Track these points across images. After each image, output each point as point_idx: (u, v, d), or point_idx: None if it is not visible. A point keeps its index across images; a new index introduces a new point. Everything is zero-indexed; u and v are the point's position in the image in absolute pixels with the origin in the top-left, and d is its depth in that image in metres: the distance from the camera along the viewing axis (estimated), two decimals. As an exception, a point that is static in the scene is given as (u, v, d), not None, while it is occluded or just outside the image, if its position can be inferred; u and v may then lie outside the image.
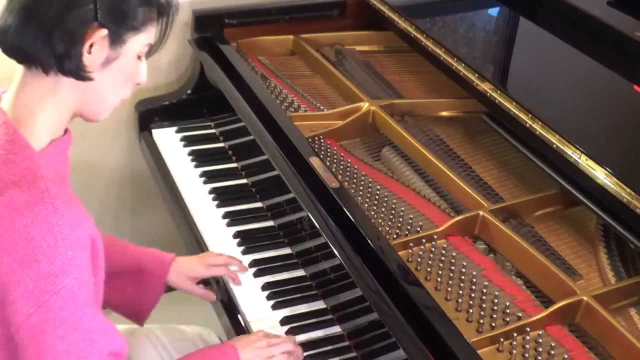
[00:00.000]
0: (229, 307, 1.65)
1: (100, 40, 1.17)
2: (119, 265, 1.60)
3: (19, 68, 1.22)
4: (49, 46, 1.15)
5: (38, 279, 1.13)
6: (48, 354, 1.15)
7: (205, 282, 1.75)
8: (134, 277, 1.63)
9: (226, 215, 1.85)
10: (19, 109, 1.22)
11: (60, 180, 1.23)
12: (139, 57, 1.25)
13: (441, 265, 1.51)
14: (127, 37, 1.20)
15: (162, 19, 1.24)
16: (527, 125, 1.60)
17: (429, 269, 1.50)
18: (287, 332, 1.54)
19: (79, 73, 1.18)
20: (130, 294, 1.65)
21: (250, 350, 1.44)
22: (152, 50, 1.28)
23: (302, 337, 1.54)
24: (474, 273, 1.48)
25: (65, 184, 1.24)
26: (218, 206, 1.88)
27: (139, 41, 1.22)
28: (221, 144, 2.10)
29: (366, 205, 1.66)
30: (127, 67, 1.23)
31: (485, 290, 1.45)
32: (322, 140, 1.83)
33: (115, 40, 1.18)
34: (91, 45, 1.16)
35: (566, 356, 1.34)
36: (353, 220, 1.49)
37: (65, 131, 1.29)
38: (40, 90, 1.21)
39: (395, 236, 1.57)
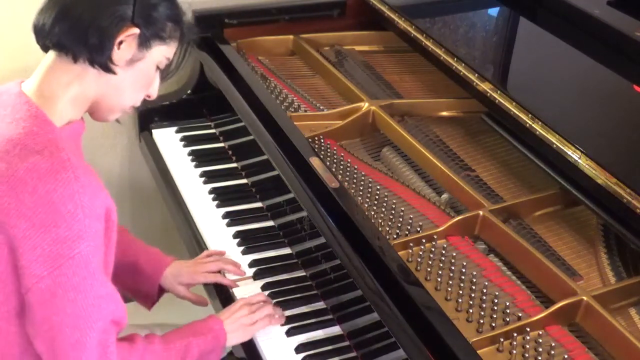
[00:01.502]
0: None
1: (131, 40, 1.27)
2: (118, 259, 1.61)
3: (48, 55, 1.30)
4: (84, 38, 1.24)
5: (55, 243, 1.18)
6: (56, 317, 1.21)
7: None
8: (129, 273, 1.65)
9: (226, 215, 1.85)
10: (44, 90, 1.29)
11: (78, 156, 1.30)
12: (157, 68, 1.35)
13: (441, 265, 1.51)
14: (153, 43, 1.30)
15: (183, 44, 1.37)
16: (527, 125, 1.60)
17: (429, 269, 1.50)
18: (287, 332, 1.54)
19: (106, 65, 1.27)
20: (129, 286, 1.67)
21: (233, 320, 1.50)
22: (168, 74, 1.40)
23: (302, 337, 1.54)
24: (474, 273, 1.48)
25: (82, 161, 1.30)
26: (218, 206, 1.88)
27: (162, 51, 1.33)
28: (221, 144, 2.10)
29: (366, 205, 1.66)
30: (147, 71, 1.34)
31: (485, 290, 1.45)
32: (322, 140, 1.83)
33: (143, 42, 1.29)
34: (121, 42, 1.26)
35: (566, 356, 1.34)
36: (353, 220, 1.49)
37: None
38: (67, 76, 1.29)
39: (395, 236, 1.57)
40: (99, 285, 1.23)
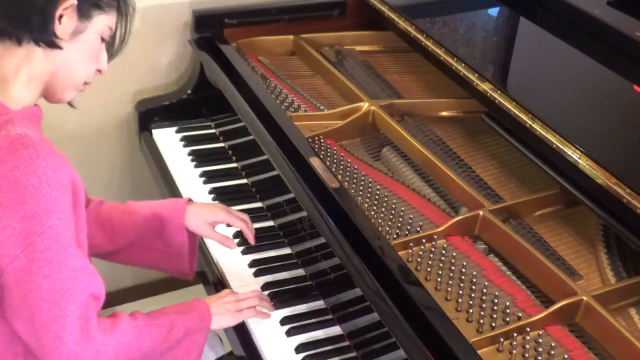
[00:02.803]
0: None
1: (70, 12, 1.27)
2: (141, 225, 1.62)
3: None
4: (24, 19, 1.25)
5: (24, 219, 1.19)
6: (33, 294, 1.21)
7: (204, 281, 1.76)
8: (156, 229, 1.62)
9: (226, 215, 1.85)
10: None
11: (38, 135, 1.28)
12: (102, 39, 1.35)
13: (441, 265, 1.51)
14: (93, 13, 1.31)
15: (122, 13, 1.36)
16: (527, 125, 1.60)
17: (429, 269, 1.50)
18: (287, 332, 1.54)
19: (51, 42, 1.28)
20: (161, 249, 1.65)
21: (219, 304, 1.50)
22: (114, 48, 1.40)
23: (302, 337, 1.54)
24: (474, 273, 1.49)
25: (42, 137, 1.30)
26: (218, 206, 1.88)
27: (103, 20, 1.33)
28: (221, 144, 2.10)
29: (366, 205, 1.66)
30: (92, 42, 1.34)
31: (485, 290, 1.45)
32: (322, 140, 1.83)
33: (83, 13, 1.29)
34: (61, 16, 1.27)
35: (566, 356, 1.34)
36: (353, 220, 1.49)
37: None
38: (14, 59, 1.30)
39: (395, 236, 1.57)
40: (73, 258, 1.23)
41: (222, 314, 1.49)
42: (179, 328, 1.41)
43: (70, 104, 1.45)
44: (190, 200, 1.64)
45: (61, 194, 1.23)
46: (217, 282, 1.71)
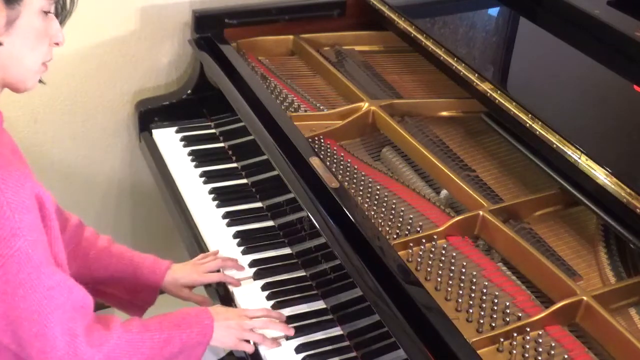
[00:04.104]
0: (229, 306, 1.64)
1: None
2: (115, 270, 1.62)
3: None
4: None
5: None
6: (11, 312, 1.20)
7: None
8: (128, 283, 1.64)
9: (226, 215, 1.85)
10: None
11: None
12: (45, 13, 1.24)
13: (441, 265, 1.51)
14: None
15: None
16: (527, 125, 1.60)
17: (429, 269, 1.50)
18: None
19: None
20: (124, 298, 1.67)
21: (224, 324, 1.46)
22: (65, 13, 1.29)
23: (302, 338, 1.54)
24: (474, 273, 1.49)
25: (1, 146, 1.24)
26: (218, 206, 1.88)
27: None
28: (221, 144, 2.10)
29: (366, 205, 1.66)
30: (33, 24, 1.22)
31: (485, 290, 1.45)
32: (322, 140, 1.83)
33: (9, 0, 1.18)
34: None
35: (566, 356, 1.34)
36: (353, 220, 1.49)
37: None
38: None
39: (395, 236, 1.57)
40: (46, 277, 1.21)
41: (223, 337, 1.46)
42: (175, 343, 1.38)
43: (40, 80, 1.33)
44: (170, 264, 1.66)
45: (25, 214, 1.18)
46: (217, 283, 1.70)
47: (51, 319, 1.22)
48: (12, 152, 1.28)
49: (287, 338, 1.53)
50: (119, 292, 1.66)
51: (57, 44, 1.28)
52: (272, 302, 1.61)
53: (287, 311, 1.59)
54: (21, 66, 1.25)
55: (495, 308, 1.41)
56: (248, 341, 1.50)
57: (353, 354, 1.50)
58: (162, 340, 1.36)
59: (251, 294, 1.64)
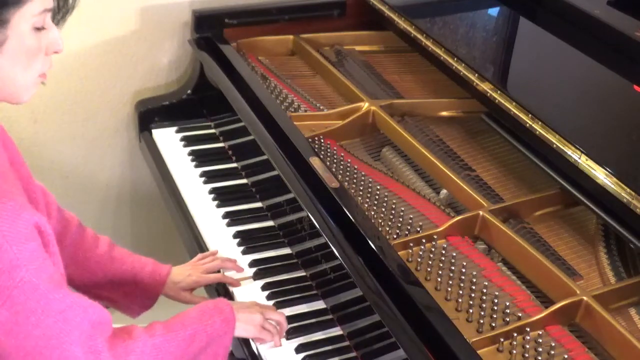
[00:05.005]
0: (229, 307, 1.65)
1: None
2: (115, 275, 1.62)
3: None
4: None
5: None
6: (28, 341, 1.17)
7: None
8: (127, 289, 1.64)
9: (226, 215, 1.85)
10: None
11: None
12: (37, 29, 1.16)
13: (441, 265, 1.51)
14: (7, 16, 1.11)
15: None
16: (527, 125, 1.60)
17: (429, 269, 1.50)
18: (288, 332, 1.54)
19: None
20: (122, 302, 1.66)
21: (245, 311, 1.46)
22: (64, 12, 1.22)
23: (302, 338, 1.54)
24: (474, 273, 1.48)
25: None
26: (218, 206, 1.88)
27: (26, 15, 1.13)
28: (221, 144, 2.10)
29: (366, 205, 1.66)
30: (23, 44, 1.15)
31: (485, 290, 1.45)
32: (322, 140, 1.83)
33: None
34: None
35: (566, 356, 1.34)
36: (353, 220, 1.49)
37: None
38: None
39: (395, 236, 1.57)
40: (57, 302, 1.18)
41: (247, 322, 1.45)
42: (201, 338, 1.36)
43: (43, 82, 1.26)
44: (170, 270, 1.65)
45: (23, 244, 1.15)
46: (217, 284, 1.70)
47: (69, 340, 1.19)
48: (3, 178, 1.22)
49: (287, 338, 1.53)
50: (117, 297, 1.65)
51: (55, 52, 1.22)
52: (272, 302, 1.61)
53: (287, 311, 1.59)
54: (13, 85, 1.19)
55: (495, 308, 1.41)
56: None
57: (353, 354, 1.50)
58: (187, 337, 1.35)
59: (251, 294, 1.64)
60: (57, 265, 1.26)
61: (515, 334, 1.37)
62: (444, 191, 1.71)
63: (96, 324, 1.24)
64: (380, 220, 1.61)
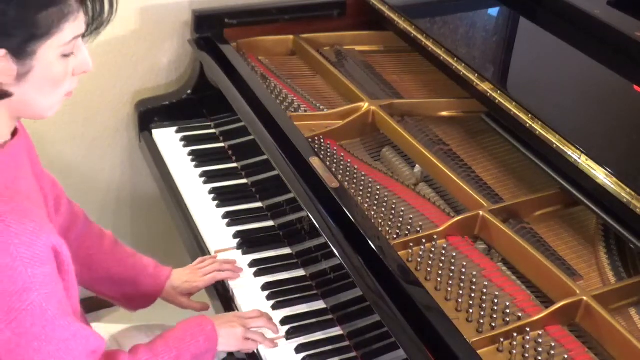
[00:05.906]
0: (229, 307, 1.65)
1: (3, 61, 1.09)
2: (116, 274, 1.63)
3: None
4: None
5: (2, 297, 1.12)
6: None
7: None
8: (127, 288, 1.65)
9: (226, 215, 1.85)
10: None
11: (13, 191, 1.17)
12: (65, 56, 1.15)
13: (441, 265, 1.51)
14: (35, 48, 1.10)
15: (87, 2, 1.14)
16: (527, 125, 1.60)
17: (429, 269, 1.50)
18: (288, 332, 1.54)
19: None
20: (120, 300, 1.67)
21: (226, 326, 1.46)
22: (99, 26, 1.19)
23: (302, 338, 1.54)
24: (474, 273, 1.48)
25: (19, 194, 1.19)
26: (218, 206, 1.88)
27: (54, 45, 1.12)
28: (221, 144, 2.10)
29: (366, 205, 1.66)
30: (49, 73, 1.14)
31: (485, 290, 1.45)
32: (322, 140, 1.83)
33: (19, 54, 1.09)
34: None
35: (566, 356, 1.34)
36: (353, 220, 1.49)
37: (14, 134, 1.23)
38: None
39: (395, 236, 1.57)
40: (62, 330, 1.18)
41: (229, 338, 1.47)
42: (185, 358, 1.38)
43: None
44: (170, 273, 1.66)
45: (39, 268, 1.14)
46: (216, 283, 1.70)
47: None
48: (27, 194, 1.23)
49: (287, 338, 1.53)
50: (116, 295, 1.66)
51: (84, 72, 1.21)
52: (272, 302, 1.61)
53: (287, 311, 1.59)
54: (37, 108, 1.18)
55: (495, 308, 1.41)
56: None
57: (353, 354, 1.50)
58: (172, 358, 1.37)
59: (251, 294, 1.65)
60: (68, 289, 1.25)
61: (515, 334, 1.37)
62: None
63: (90, 352, 1.25)
64: (380, 220, 1.61)
